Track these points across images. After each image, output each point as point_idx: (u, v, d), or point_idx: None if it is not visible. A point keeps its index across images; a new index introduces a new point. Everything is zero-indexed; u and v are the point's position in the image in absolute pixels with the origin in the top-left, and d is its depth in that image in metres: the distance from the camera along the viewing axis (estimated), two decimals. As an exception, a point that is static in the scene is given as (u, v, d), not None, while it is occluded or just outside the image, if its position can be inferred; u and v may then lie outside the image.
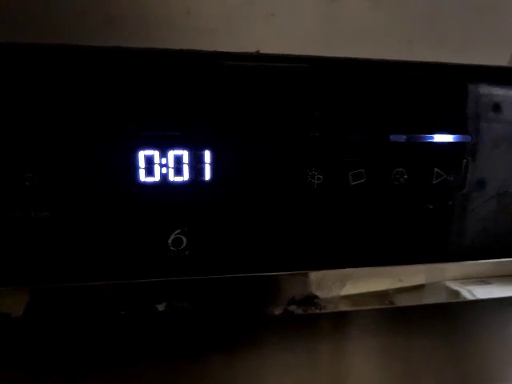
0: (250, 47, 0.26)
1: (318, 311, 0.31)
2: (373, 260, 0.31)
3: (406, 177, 0.29)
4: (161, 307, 0.29)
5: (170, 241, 0.28)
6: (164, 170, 0.27)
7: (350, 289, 0.31)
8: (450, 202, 0.30)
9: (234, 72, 0.26)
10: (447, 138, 0.29)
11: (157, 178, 0.27)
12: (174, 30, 0.25)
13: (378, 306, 0.32)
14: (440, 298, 0.33)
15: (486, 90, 0.29)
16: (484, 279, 0.35)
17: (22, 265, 0.27)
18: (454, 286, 0.34)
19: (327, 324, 0.37)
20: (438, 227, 0.31)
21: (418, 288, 0.32)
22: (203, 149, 0.27)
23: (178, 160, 0.27)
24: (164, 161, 0.27)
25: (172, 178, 0.27)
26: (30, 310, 0.28)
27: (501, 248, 0.32)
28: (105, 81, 0.25)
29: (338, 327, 0.38)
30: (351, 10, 0.27)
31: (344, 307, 0.31)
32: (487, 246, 0.32)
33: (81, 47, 0.25)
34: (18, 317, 0.27)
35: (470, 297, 0.35)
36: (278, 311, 0.30)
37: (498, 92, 0.29)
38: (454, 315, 0.41)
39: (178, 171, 0.27)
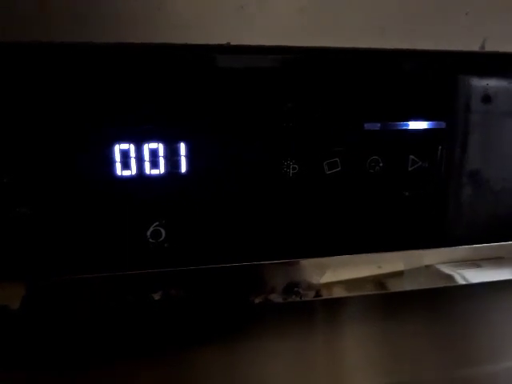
0: (220, 40, 0.26)
1: (298, 299, 0.31)
2: (351, 248, 0.31)
3: (381, 165, 0.29)
4: (141, 299, 0.30)
5: (148, 233, 0.28)
6: (140, 164, 0.27)
7: (330, 277, 0.31)
8: (425, 189, 0.31)
9: (207, 64, 0.26)
10: (422, 125, 0.30)
11: (133, 171, 0.27)
12: (145, 24, 0.25)
13: (359, 293, 0.32)
14: (420, 284, 0.33)
15: (459, 76, 0.30)
16: (474, 262, 0.35)
17: (11, 259, 0.27)
18: (442, 269, 0.34)
19: (312, 312, 0.38)
20: (414, 214, 0.31)
21: (398, 274, 0.33)
22: (178, 141, 0.27)
23: (154, 153, 0.27)
24: (140, 154, 0.27)
25: (148, 171, 0.27)
26: (23, 303, 0.28)
27: (477, 233, 0.32)
28: (78, 76, 0.25)
29: (322, 315, 0.38)
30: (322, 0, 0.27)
31: (324, 295, 0.32)
32: (464, 232, 0.32)
33: (54, 43, 0.25)
34: (13, 311, 0.28)
35: (461, 281, 0.35)
36: (258, 300, 0.31)
37: (472, 78, 0.30)
38: (443, 300, 0.41)
39: (154, 164, 0.27)
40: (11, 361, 0.33)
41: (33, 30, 0.24)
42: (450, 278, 0.34)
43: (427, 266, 0.34)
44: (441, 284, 0.35)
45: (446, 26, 0.28)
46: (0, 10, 0.23)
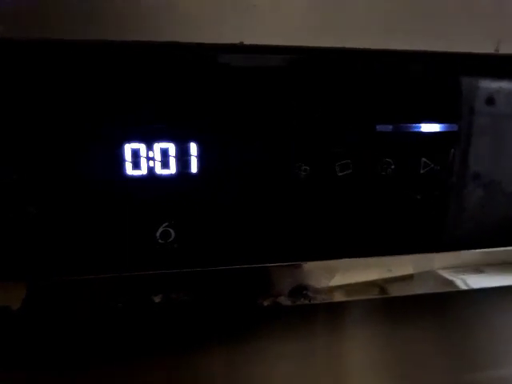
0: (233, 39, 0.25)
1: (307, 302, 0.31)
2: (361, 251, 0.31)
3: (393, 167, 0.29)
4: (151, 300, 0.29)
5: (158, 234, 0.28)
6: (150, 163, 0.27)
7: (339, 280, 0.31)
8: (437, 192, 0.30)
9: (219, 63, 0.26)
10: (434, 127, 0.29)
11: (143, 171, 0.27)
12: (157, 22, 0.25)
13: (367, 297, 0.32)
14: (429, 288, 0.33)
15: (472, 78, 0.29)
16: (477, 267, 0.35)
17: (15, 260, 0.27)
18: (444, 275, 0.34)
19: (319, 315, 0.37)
20: (425, 217, 0.31)
21: (407, 278, 0.33)
22: (189, 141, 0.27)
23: (165, 153, 0.27)
24: (150, 154, 0.27)
25: (159, 170, 0.27)
26: (27, 304, 0.28)
27: (488, 237, 0.32)
28: (90, 74, 0.25)
29: (329, 318, 0.38)
30: (332, 1, 0.27)
31: (333, 298, 0.31)
32: (475, 236, 0.32)
33: (64, 41, 0.25)
34: (14, 311, 0.27)
35: (463, 286, 0.35)
36: (266, 303, 0.30)
37: (485, 81, 0.29)
38: (446, 305, 0.41)
39: (165, 164, 0.27)
40: (11, 361, 0.33)
41: (44, 27, 0.24)
42: (456, 282, 0.34)
43: (434, 271, 0.33)
44: (447, 289, 0.34)
45: (460, 27, 0.28)
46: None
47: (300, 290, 0.31)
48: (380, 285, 0.32)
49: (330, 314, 0.38)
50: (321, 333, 0.39)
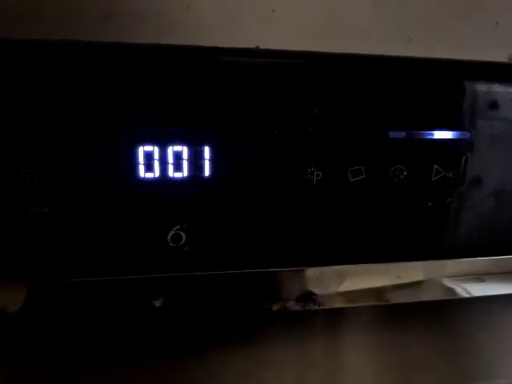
0: (250, 43, 0.25)
1: (316, 307, 0.31)
2: (371, 257, 0.31)
3: (405, 173, 0.29)
4: (159, 303, 0.29)
5: (169, 237, 0.28)
6: (163, 166, 0.27)
7: (348, 285, 0.31)
8: (448, 199, 0.30)
9: (234, 68, 0.26)
10: (446, 134, 0.29)
11: (156, 173, 0.27)
12: (174, 25, 0.25)
13: (375, 303, 0.32)
14: (438, 295, 0.33)
15: (485, 86, 0.29)
16: (479, 276, 0.35)
17: (20, 260, 0.27)
18: (451, 283, 0.34)
19: (324, 320, 0.37)
20: (436, 224, 0.31)
21: (416, 285, 0.32)
22: (203, 145, 0.27)
23: (178, 156, 0.27)
24: (163, 157, 0.26)
25: (171, 173, 0.27)
26: (27, 305, 0.28)
27: (499, 245, 0.32)
28: (104, 77, 0.25)
29: (334, 324, 0.38)
30: (352, 6, 0.27)
31: (342, 304, 0.31)
32: (486, 243, 0.32)
33: (79, 43, 0.25)
34: (14, 312, 0.27)
35: (465, 294, 0.35)
36: (276, 307, 0.30)
37: (498, 89, 0.29)
38: (449, 312, 0.41)
39: (178, 167, 0.27)
40: (11, 361, 0.33)
41: (62, 29, 0.24)
42: (457, 290, 0.34)
43: (442, 278, 0.33)
44: (456, 296, 0.34)
45: (474, 36, 0.28)
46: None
47: (309, 295, 0.31)
48: (388, 291, 0.32)
49: (335, 319, 0.38)
50: (327, 338, 0.39)
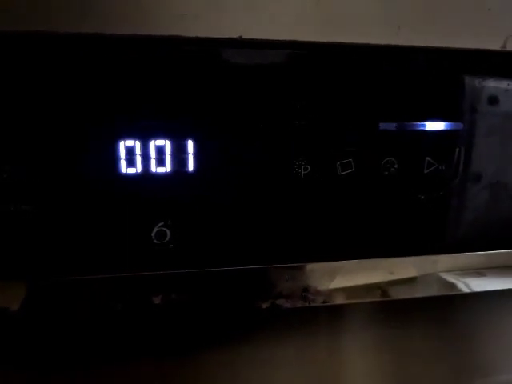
0: (232, 33, 0.25)
1: (306, 305, 0.30)
2: (363, 252, 0.30)
3: (396, 166, 0.28)
4: (149, 300, 0.29)
5: (153, 234, 0.27)
6: (146, 161, 0.26)
7: (340, 282, 0.30)
8: (441, 192, 0.29)
9: (217, 58, 0.25)
10: (439, 125, 0.28)
11: (138, 169, 0.26)
12: (155, 16, 0.24)
13: (368, 299, 0.31)
14: (432, 291, 0.32)
15: (478, 76, 0.28)
16: (478, 271, 0.34)
17: (11, 259, 0.26)
18: (447, 278, 0.33)
19: (319, 317, 0.37)
20: (429, 218, 0.30)
21: (410, 281, 0.32)
22: (186, 139, 0.26)
23: (160, 150, 0.26)
24: (146, 151, 0.26)
25: (154, 169, 0.26)
26: (23, 304, 0.27)
27: (494, 239, 0.31)
28: (84, 69, 0.24)
29: (329, 321, 0.37)
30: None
31: (333, 301, 0.30)
32: (479, 237, 0.31)
33: (56, 34, 0.24)
34: (13, 311, 0.27)
35: (464, 289, 0.34)
36: (265, 305, 0.30)
37: (491, 78, 0.29)
38: (449, 307, 0.40)
39: (160, 162, 0.26)
40: (11, 361, 0.32)
41: (40, 19, 0.23)
42: (458, 285, 0.33)
43: (436, 274, 0.33)
44: (453, 291, 0.34)
45: (466, 23, 0.27)
46: None
47: (299, 292, 0.30)
48: (381, 287, 0.31)
49: (330, 316, 0.37)
50: (320, 336, 0.38)
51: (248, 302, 0.29)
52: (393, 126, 0.28)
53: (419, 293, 0.32)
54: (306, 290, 0.30)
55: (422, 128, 0.28)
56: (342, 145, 0.27)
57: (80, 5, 0.24)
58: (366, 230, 0.29)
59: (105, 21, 0.24)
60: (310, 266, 0.30)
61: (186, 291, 0.29)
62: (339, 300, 0.31)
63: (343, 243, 0.29)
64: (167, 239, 0.27)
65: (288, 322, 0.36)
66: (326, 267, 0.30)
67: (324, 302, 0.30)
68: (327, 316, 0.37)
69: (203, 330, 0.34)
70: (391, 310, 0.38)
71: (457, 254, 0.32)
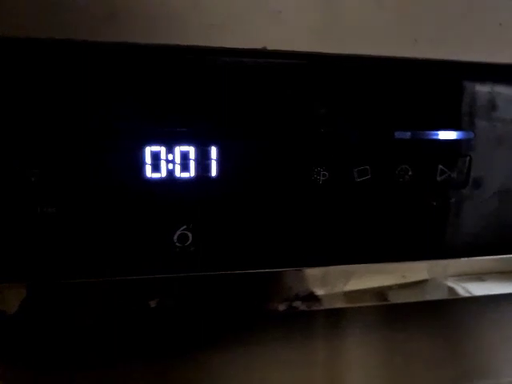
0: (257, 44, 0.25)
1: (322, 307, 0.31)
2: (376, 256, 0.31)
3: (410, 173, 0.29)
4: (166, 303, 0.29)
5: (175, 237, 0.28)
6: (170, 166, 0.27)
7: (354, 285, 0.31)
8: (453, 199, 0.30)
9: (241, 68, 0.26)
10: (451, 135, 0.29)
11: (163, 174, 0.27)
12: (182, 26, 0.25)
13: (378, 303, 0.32)
14: (443, 295, 0.33)
15: (489, 87, 0.30)
16: (480, 276, 0.35)
17: (23, 260, 0.26)
18: (454, 282, 0.34)
19: (326, 320, 0.37)
20: (441, 224, 0.31)
21: (420, 284, 0.33)
22: (210, 145, 0.27)
23: (185, 156, 0.27)
24: (170, 157, 0.26)
25: (178, 174, 0.27)
26: (28, 306, 0.27)
27: (503, 244, 0.32)
28: (112, 77, 0.25)
29: (335, 324, 0.38)
30: (357, 7, 0.27)
31: (348, 303, 0.31)
32: (490, 243, 0.32)
33: (86, 42, 0.24)
34: (14, 313, 0.27)
35: (467, 294, 0.35)
36: (282, 307, 0.30)
37: (502, 90, 0.30)
38: (452, 311, 0.41)
39: (185, 167, 0.27)
40: (12, 362, 0.33)
41: (68, 28, 0.24)
42: (457, 289, 0.34)
43: (450, 277, 0.33)
44: (459, 295, 0.34)
45: (478, 37, 0.28)
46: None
47: (315, 294, 0.31)
48: (393, 291, 0.32)
49: (337, 319, 0.38)
50: (328, 339, 0.39)
51: (265, 304, 0.30)
52: (407, 134, 0.29)
53: (429, 296, 0.33)
54: (321, 292, 0.31)
55: (435, 137, 0.29)
56: (359, 152, 0.28)
57: (110, 15, 0.24)
58: (380, 234, 0.30)
59: (134, 30, 0.25)
60: (325, 269, 0.30)
61: (204, 293, 0.29)
62: (353, 303, 0.32)
63: (358, 247, 0.30)
64: (189, 242, 0.28)
65: (297, 325, 0.37)
66: (342, 270, 0.31)
67: (339, 304, 0.31)
68: (333, 319, 0.38)
69: (219, 331, 0.34)
70: (391, 314, 0.39)
71: (466, 259, 0.33)
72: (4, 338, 0.31)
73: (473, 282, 0.35)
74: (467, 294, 0.35)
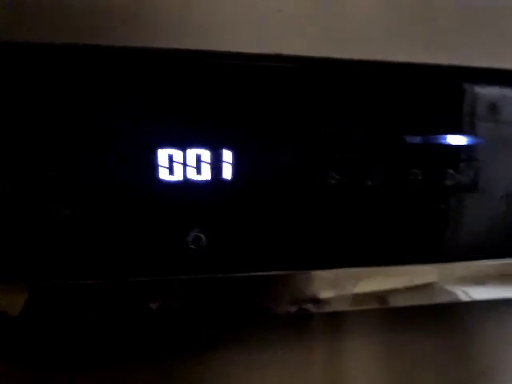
0: (271, 49, 0.26)
1: (331, 309, 0.31)
2: (385, 259, 0.31)
3: (420, 178, 0.29)
4: (178, 304, 0.29)
5: (189, 239, 0.28)
6: (185, 169, 0.27)
7: (363, 287, 0.31)
8: (461, 203, 0.31)
9: (256, 72, 0.27)
10: (460, 139, 0.30)
11: (177, 176, 0.27)
12: (193, 30, 0.25)
13: (378, 306, 0.32)
14: (452, 298, 0.33)
15: (499, 93, 0.30)
16: (479, 279, 0.35)
17: (50, 261, 0.27)
18: (445, 286, 0.34)
19: (328, 322, 0.38)
20: (449, 227, 0.31)
21: (429, 287, 0.33)
22: (224, 148, 0.27)
23: (199, 159, 0.27)
24: (185, 160, 0.27)
25: (192, 176, 0.27)
26: (32, 307, 0.28)
27: (507, 248, 0.33)
28: (127, 80, 0.25)
29: (337, 326, 0.38)
30: (364, 11, 0.27)
31: (357, 306, 0.32)
32: (498, 246, 0.33)
33: (99, 47, 0.25)
34: (16, 315, 0.27)
35: (476, 297, 0.35)
36: (293, 309, 0.31)
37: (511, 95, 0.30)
38: (454, 316, 0.41)
39: (199, 170, 0.27)
40: (13, 363, 0.33)
41: (80, 33, 0.24)
42: (457, 293, 0.34)
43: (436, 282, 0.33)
44: (448, 300, 0.35)
45: (490, 42, 0.29)
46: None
47: (326, 297, 0.31)
48: (401, 293, 0.33)
49: (338, 322, 0.38)
50: (330, 341, 0.39)
51: (276, 306, 0.30)
52: (417, 139, 0.29)
53: (437, 299, 0.33)
54: (331, 294, 0.31)
55: (444, 141, 0.30)
56: (370, 156, 0.29)
57: (126, 20, 0.25)
58: (390, 237, 0.31)
59: (151, 35, 0.25)
60: (335, 272, 0.31)
61: (216, 295, 0.30)
62: (362, 306, 0.32)
63: (369, 250, 0.31)
64: (202, 244, 0.28)
65: (302, 327, 0.37)
66: (351, 273, 0.31)
67: (348, 307, 0.31)
68: (334, 322, 0.38)
69: (216, 331, 0.34)
70: (390, 318, 0.39)
71: (473, 262, 0.33)
72: (4, 338, 0.31)
73: (479, 285, 0.35)
74: (477, 297, 0.35)
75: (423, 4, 0.28)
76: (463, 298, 0.35)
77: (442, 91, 0.29)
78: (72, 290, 0.28)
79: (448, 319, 0.42)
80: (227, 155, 0.27)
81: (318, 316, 0.36)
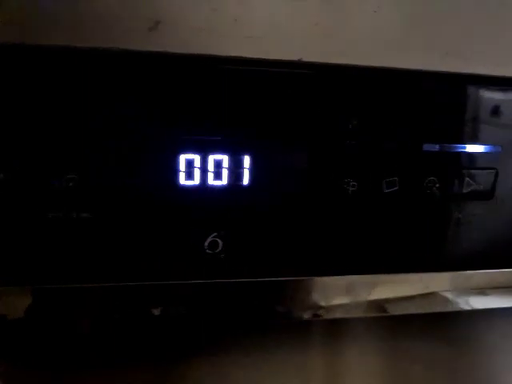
0: (293, 55, 0.26)
1: (345, 316, 0.31)
2: (401, 266, 0.31)
3: (437, 185, 0.29)
4: (194, 309, 0.29)
5: (206, 244, 0.28)
6: (204, 174, 0.27)
7: (378, 294, 0.31)
8: (478, 212, 0.31)
9: (276, 79, 0.27)
10: (478, 148, 0.30)
11: (196, 181, 0.27)
12: (221, 39, 0.25)
13: (377, 314, 0.32)
14: (464, 305, 0.33)
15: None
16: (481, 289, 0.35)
17: (65, 264, 0.27)
18: (447, 295, 0.34)
19: (330, 328, 0.38)
20: (465, 236, 0.31)
21: (444, 295, 0.33)
22: (243, 154, 0.27)
23: (218, 164, 0.27)
24: (204, 165, 0.27)
25: (211, 181, 0.27)
26: (35, 310, 0.28)
27: None
28: (148, 85, 0.26)
29: (336, 334, 0.38)
30: (390, 22, 0.27)
31: (370, 313, 0.32)
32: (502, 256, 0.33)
33: (125, 51, 0.25)
34: (18, 318, 0.27)
35: (465, 307, 0.35)
36: (307, 315, 0.31)
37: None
38: (454, 324, 0.41)
39: (218, 175, 0.27)
40: (12, 361, 0.33)
41: (109, 38, 0.24)
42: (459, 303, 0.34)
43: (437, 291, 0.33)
44: (449, 309, 0.34)
45: (509, 51, 0.29)
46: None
47: (339, 303, 0.31)
48: (416, 301, 0.33)
49: (337, 330, 0.38)
50: (332, 348, 0.39)
51: (290, 312, 0.30)
52: (436, 147, 0.29)
53: (419, 309, 0.33)
54: (345, 301, 0.31)
55: (462, 150, 0.30)
56: (388, 164, 0.29)
57: (152, 26, 0.25)
58: (406, 245, 0.31)
59: (174, 41, 0.25)
60: (350, 279, 0.31)
61: (232, 299, 0.30)
62: (375, 312, 0.32)
63: (384, 257, 0.31)
64: (219, 249, 0.28)
65: (309, 333, 0.37)
66: (366, 280, 0.31)
67: (362, 313, 0.31)
68: (334, 329, 0.38)
69: (218, 334, 0.34)
70: (391, 326, 0.39)
71: (489, 271, 0.33)
72: (5, 339, 0.31)
73: (493, 293, 0.35)
74: (491, 306, 0.35)
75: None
76: (464, 307, 0.34)
77: (460, 99, 0.29)
78: (83, 293, 0.28)
79: (451, 328, 0.42)
80: (247, 161, 0.27)
81: (318, 321, 0.36)
